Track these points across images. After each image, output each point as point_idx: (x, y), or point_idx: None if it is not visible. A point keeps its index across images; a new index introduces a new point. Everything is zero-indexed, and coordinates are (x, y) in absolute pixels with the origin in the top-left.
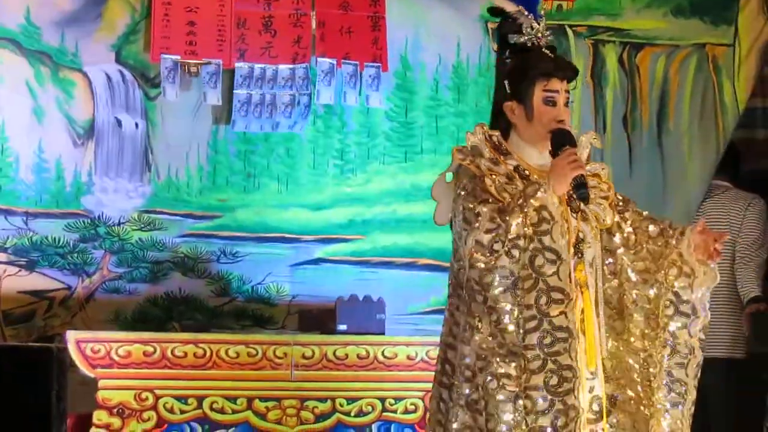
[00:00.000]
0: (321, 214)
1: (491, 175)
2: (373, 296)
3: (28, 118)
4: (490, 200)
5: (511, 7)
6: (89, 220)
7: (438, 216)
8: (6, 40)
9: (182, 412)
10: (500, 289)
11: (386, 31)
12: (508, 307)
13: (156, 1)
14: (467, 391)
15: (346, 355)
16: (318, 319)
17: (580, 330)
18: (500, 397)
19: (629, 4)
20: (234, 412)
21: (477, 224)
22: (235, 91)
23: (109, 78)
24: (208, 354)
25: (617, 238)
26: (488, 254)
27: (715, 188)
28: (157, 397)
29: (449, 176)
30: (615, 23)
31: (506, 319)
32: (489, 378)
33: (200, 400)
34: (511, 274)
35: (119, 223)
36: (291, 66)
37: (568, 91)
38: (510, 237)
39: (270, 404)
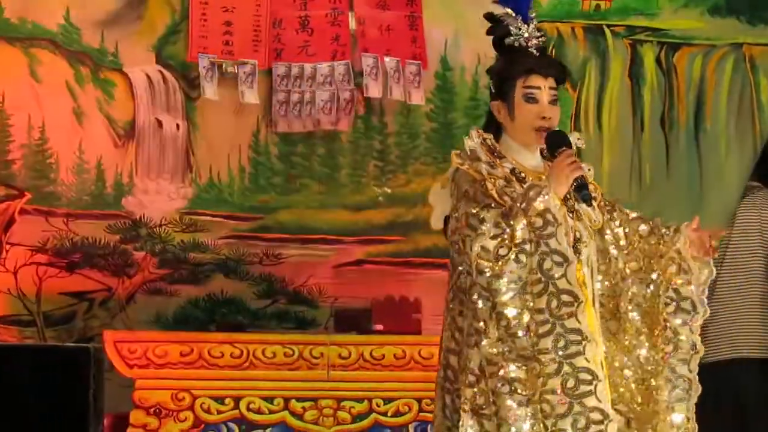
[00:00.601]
0: (362, 215)
1: (491, 178)
2: (411, 297)
3: (69, 119)
4: (493, 205)
5: (503, 12)
6: (130, 222)
7: (434, 221)
8: (46, 41)
9: (219, 412)
10: (509, 295)
11: (423, 30)
12: (517, 311)
13: (194, 1)
14: (471, 395)
15: (383, 355)
16: (354, 319)
17: (594, 331)
18: (510, 402)
19: (666, 3)
20: (271, 412)
21: (482, 230)
22: (273, 92)
23: (149, 79)
24: (244, 354)
25: (608, 238)
26: (494, 260)
27: (748, 189)
28: (194, 397)
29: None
30: (652, 23)
31: (515, 323)
32: (500, 383)
33: (237, 400)
34: (519, 279)
35: (160, 225)
36: (330, 63)
37: (554, 89)
38: (516, 242)
39: (307, 404)
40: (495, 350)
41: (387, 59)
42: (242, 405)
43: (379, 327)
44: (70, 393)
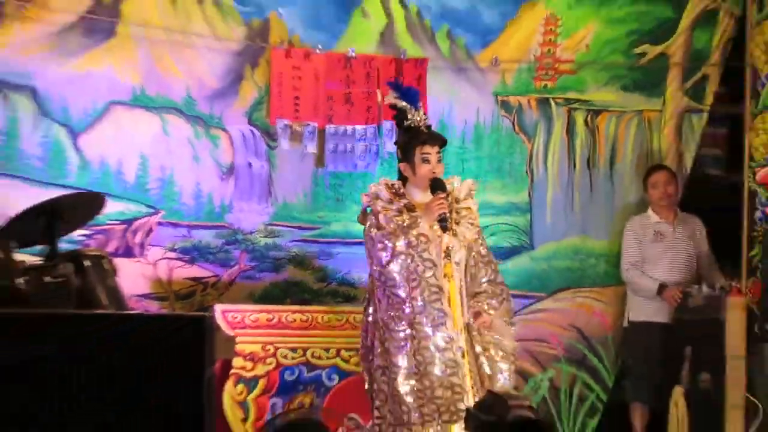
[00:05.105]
0: None
1: (385, 211)
2: None
3: (189, 162)
4: (383, 228)
5: (401, 104)
6: (231, 231)
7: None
8: (174, 109)
9: (292, 358)
10: (396, 284)
11: (427, 101)
12: (403, 294)
13: (273, 82)
14: (379, 348)
15: None
16: None
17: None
18: (395, 346)
19: (592, 83)
20: (327, 358)
21: (376, 244)
22: (326, 144)
23: (243, 134)
24: (309, 319)
25: (474, 253)
26: (383, 264)
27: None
28: (276, 348)
29: (368, 210)
30: (582, 96)
31: (400, 298)
32: (392, 335)
33: (304, 350)
34: (399, 275)
35: (251, 232)
36: (364, 126)
37: (439, 152)
38: (398, 252)
39: (351, 353)
40: (388, 314)
41: None
42: (308, 353)
43: None
44: (193, 347)
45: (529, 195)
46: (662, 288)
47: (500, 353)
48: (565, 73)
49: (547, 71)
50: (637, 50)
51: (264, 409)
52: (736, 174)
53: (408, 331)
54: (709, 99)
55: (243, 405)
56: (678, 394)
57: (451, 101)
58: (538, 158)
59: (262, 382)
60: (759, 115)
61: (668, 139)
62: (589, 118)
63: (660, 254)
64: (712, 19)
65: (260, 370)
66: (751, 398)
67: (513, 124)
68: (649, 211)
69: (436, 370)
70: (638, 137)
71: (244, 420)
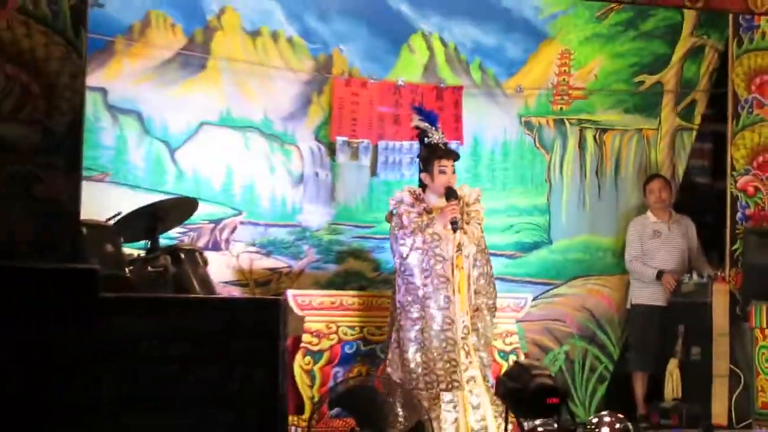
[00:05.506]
0: None
1: (407, 213)
2: None
3: (267, 172)
4: (404, 228)
5: (423, 125)
6: (301, 229)
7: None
8: (254, 128)
9: (351, 335)
10: (413, 273)
11: (463, 122)
12: (418, 282)
13: (335, 106)
14: (395, 325)
15: None
16: None
17: (455, 292)
18: (409, 324)
19: (600, 106)
20: (380, 335)
21: (398, 240)
22: (378, 157)
23: (311, 149)
24: (366, 302)
25: (476, 249)
26: (403, 256)
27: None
28: (338, 326)
29: (394, 211)
30: (591, 117)
31: (415, 285)
32: (406, 315)
33: (362, 328)
34: (415, 267)
35: (317, 230)
36: (410, 142)
37: (453, 165)
38: (415, 246)
39: None
40: (405, 298)
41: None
42: (365, 331)
43: None
44: (270, 325)
45: (548, 199)
46: (660, 274)
47: (481, 341)
48: (577, 98)
49: (563, 96)
50: (637, 79)
51: (327, 377)
52: (721, 181)
53: (420, 312)
54: (698, 119)
55: (310, 374)
56: (673, 365)
57: (483, 122)
58: (555, 168)
59: (326, 355)
60: (739, 133)
61: (663, 152)
62: (597, 136)
63: (657, 249)
64: (700, 53)
65: (324, 344)
66: (734, 368)
67: (534, 140)
68: (648, 213)
69: (437, 346)
70: (638, 151)
71: (311, 386)
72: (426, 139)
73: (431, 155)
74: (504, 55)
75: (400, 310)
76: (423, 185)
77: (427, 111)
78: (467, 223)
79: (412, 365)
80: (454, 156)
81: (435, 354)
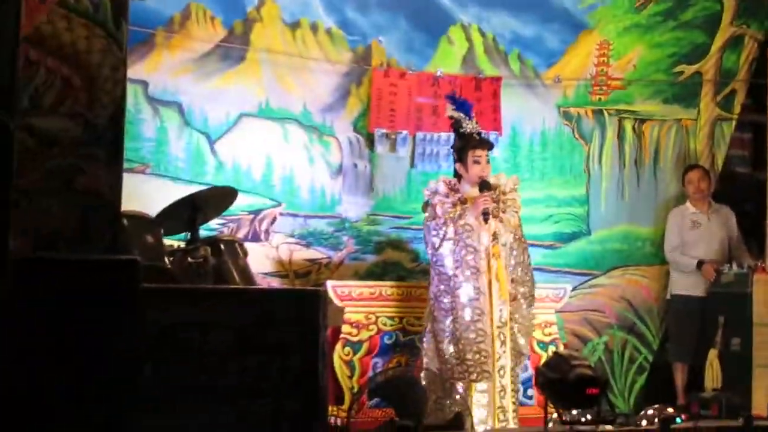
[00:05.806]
0: None
1: (441, 204)
2: None
3: (306, 163)
4: (437, 218)
5: (458, 115)
6: (340, 220)
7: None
8: (293, 120)
9: (390, 325)
10: (445, 263)
11: (501, 113)
12: (450, 272)
13: (373, 97)
14: (430, 315)
15: None
16: None
17: (493, 281)
18: (442, 313)
19: (638, 96)
20: (419, 325)
21: (431, 231)
22: (416, 148)
23: (350, 140)
24: (405, 293)
25: (512, 238)
26: (435, 247)
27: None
28: (377, 317)
29: (428, 201)
30: (630, 107)
31: (447, 275)
32: (440, 305)
33: (401, 318)
34: (446, 257)
35: (356, 221)
36: (448, 133)
37: (487, 155)
38: (447, 237)
39: None
40: (438, 288)
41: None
42: (404, 321)
43: None
44: (310, 315)
45: (587, 189)
46: (701, 264)
47: (520, 331)
48: (616, 88)
49: (601, 87)
50: (676, 69)
51: (367, 368)
52: (760, 171)
53: (451, 303)
54: (737, 109)
55: (350, 364)
56: (713, 355)
57: (522, 112)
58: (594, 159)
59: (365, 345)
60: None
61: (702, 142)
62: (636, 126)
63: (697, 239)
64: (739, 43)
65: (364, 335)
66: None
67: (573, 130)
68: (687, 203)
69: (468, 336)
70: (677, 141)
71: (350, 377)
72: (460, 128)
73: (465, 145)
74: (543, 46)
75: (434, 300)
76: (458, 175)
77: (461, 99)
78: (503, 212)
79: (447, 356)
80: (489, 146)
81: (465, 345)
